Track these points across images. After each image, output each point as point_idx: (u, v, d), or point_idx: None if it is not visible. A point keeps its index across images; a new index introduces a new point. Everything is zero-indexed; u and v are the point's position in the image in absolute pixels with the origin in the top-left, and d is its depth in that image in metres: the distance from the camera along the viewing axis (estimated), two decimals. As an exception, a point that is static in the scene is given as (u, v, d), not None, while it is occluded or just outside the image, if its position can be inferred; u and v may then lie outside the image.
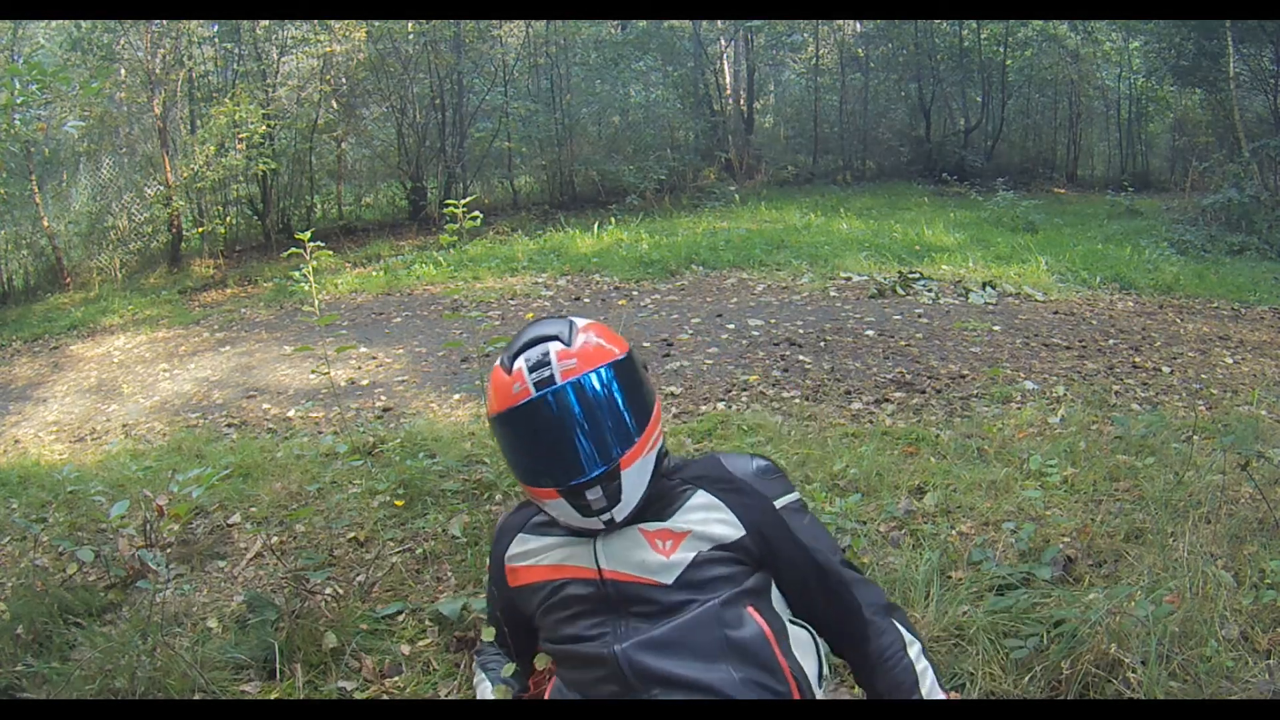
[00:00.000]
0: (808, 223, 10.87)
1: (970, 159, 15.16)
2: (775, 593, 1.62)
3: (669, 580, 1.51)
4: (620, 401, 1.53)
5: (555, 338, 1.53)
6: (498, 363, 1.56)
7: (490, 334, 6.18)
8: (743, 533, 1.56)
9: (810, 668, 1.57)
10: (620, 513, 1.52)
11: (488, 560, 1.87)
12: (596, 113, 14.80)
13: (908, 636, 1.56)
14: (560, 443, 1.50)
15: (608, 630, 1.52)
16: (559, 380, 1.48)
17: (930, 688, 1.53)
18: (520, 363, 1.51)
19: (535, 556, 1.65)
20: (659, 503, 1.58)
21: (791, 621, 1.61)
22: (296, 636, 2.59)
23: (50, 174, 11.77)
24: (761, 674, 1.47)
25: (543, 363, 1.49)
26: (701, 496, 1.59)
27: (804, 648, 1.59)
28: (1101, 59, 16.07)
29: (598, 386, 1.51)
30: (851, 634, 1.56)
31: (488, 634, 1.92)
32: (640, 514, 1.56)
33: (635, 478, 1.52)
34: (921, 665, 1.53)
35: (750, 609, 1.53)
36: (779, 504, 1.59)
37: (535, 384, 1.49)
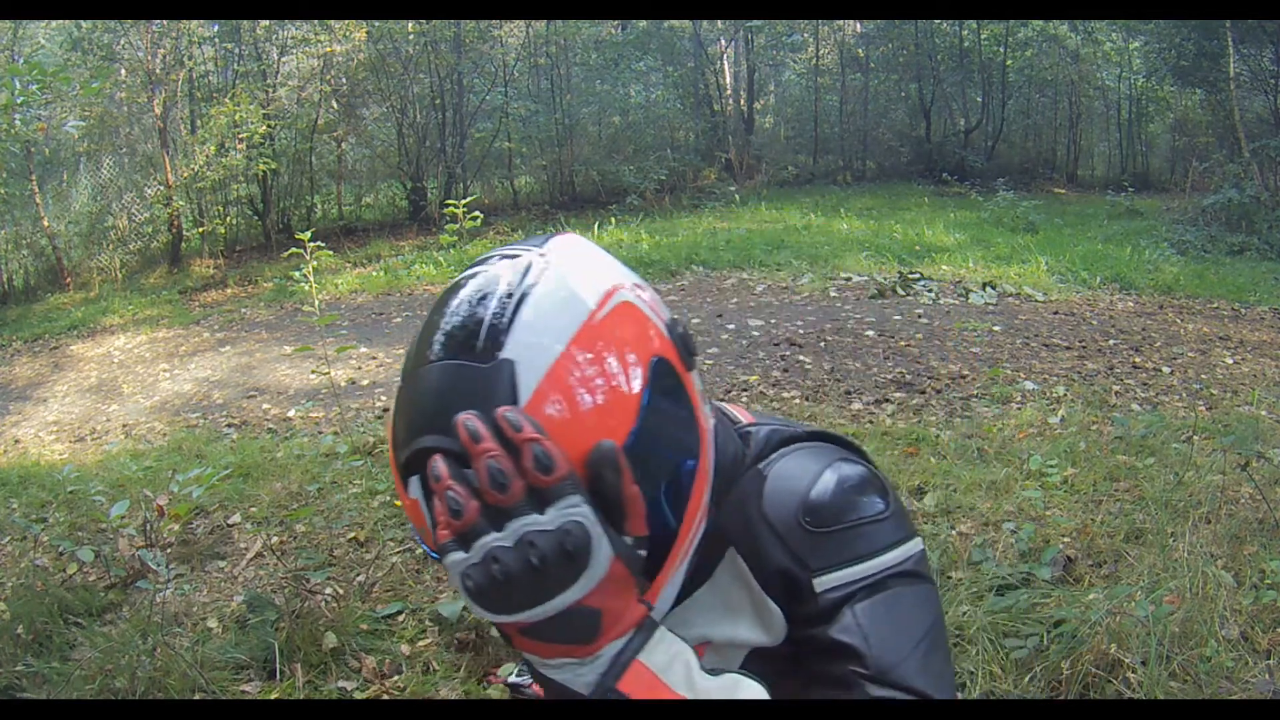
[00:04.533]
0: (808, 223, 10.87)
1: (970, 159, 15.16)
2: None
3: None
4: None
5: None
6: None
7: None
8: (782, 632, 0.88)
9: None
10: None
11: None
12: (596, 113, 14.80)
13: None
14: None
15: None
16: None
17: None
18: (417, 493, 0.72)
19: None
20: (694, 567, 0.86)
21: None
22: (296, 636, 2.59)
23: (50, 174, 11.77)
24: None
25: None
26: (728, 566, 0.90)
27: None
28: (1101, 59, 16.07)
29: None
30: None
31: None
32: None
33: (671, 587, 0.82)
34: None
35: None
36: (824, 584, 0.84)
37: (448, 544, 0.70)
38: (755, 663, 0.89)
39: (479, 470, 0.66)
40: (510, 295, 0.74)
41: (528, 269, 0.76)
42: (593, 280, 0.77)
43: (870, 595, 0.84)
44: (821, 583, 0.84)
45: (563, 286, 0.75)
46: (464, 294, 0.76)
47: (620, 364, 0.74)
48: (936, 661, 0.84)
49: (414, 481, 0.73)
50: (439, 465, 0.67)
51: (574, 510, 0.66)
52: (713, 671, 0.77)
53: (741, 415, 1.00)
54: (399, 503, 3.56)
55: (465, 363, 0.72)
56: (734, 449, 0.93)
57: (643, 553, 0.73)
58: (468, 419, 0.67)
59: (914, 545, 0.89)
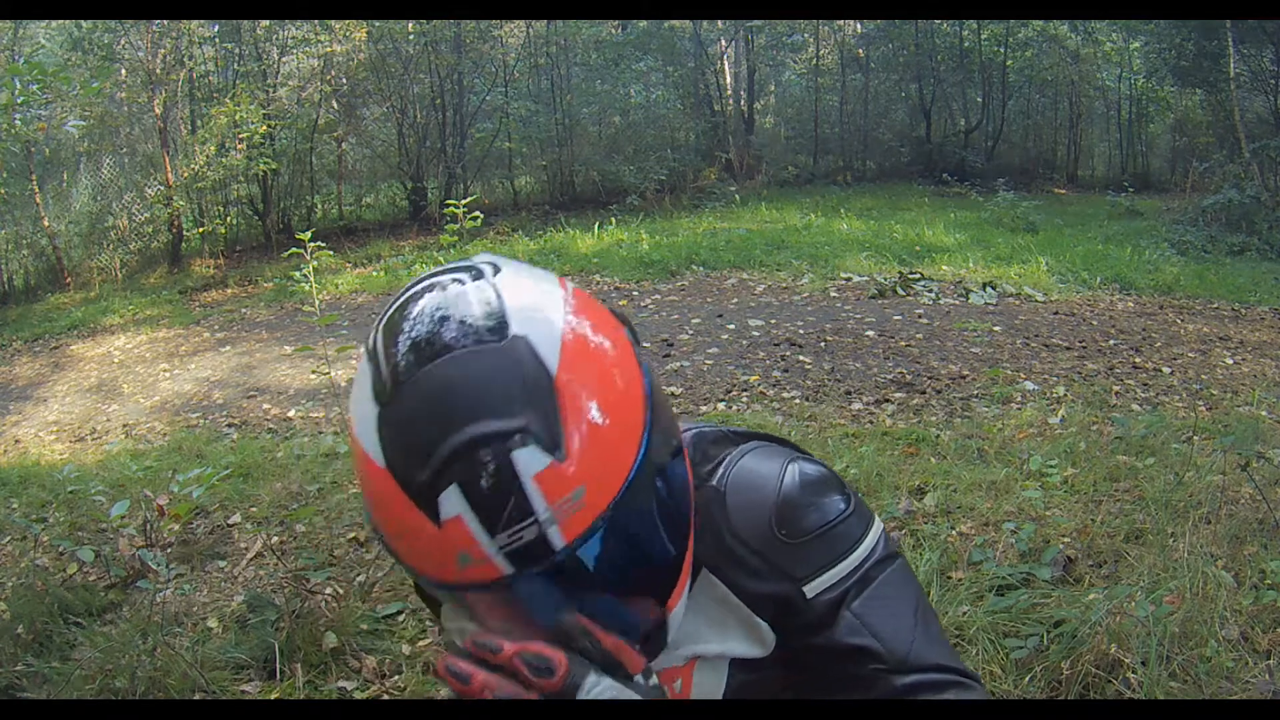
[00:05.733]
0: (808, 223, 10.87)
1: (970, 159, 15.15)
2: None
3: None
4: (658, 523, 0.77)
5: (520, 434, 0.65)
6: (376, 458, 0.68)
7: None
8: (772, 644, 0.90)
9: None
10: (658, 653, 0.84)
11: None
12: (597, 113, 14.80)
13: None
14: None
15: None
16: (558, 542, 0.67)
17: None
18: (459, 506, 0.65)
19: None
20: None
21: None
22: (296, 636, 2.59)
23: (50, 174, 11.77)
24: None
25: (517, 509, 0.66)
26: (705, 586, 0.88)
27: None
28: (1101, 59, 16.06)
29: (626, 525, 0.73)
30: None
31: None
32: None
33: (681, 609, 0.83)
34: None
35: None
36: (814, 589, 0.86)
37: (510, 555, 0.67)
38: (738, 671, 0.91)
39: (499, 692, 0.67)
40: (482, 291, 0.70)
41: (474, 272, 0.72)
42: (537, 269, 0.76)
43: (861, 590, 0.87)
44: (812, 588, 0.86)
45: (521, 273, 0.73)
46: (428, 303, 0.70)
47: (611, 329, 0.74)
48: (934, 628, 0.90)
49: (452, 493, 0.65)
50: (460, 667, 0.68)
51: (597, 691, 0.68)
52: None
53: None
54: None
55: (482, 346, 0.67)
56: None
57: (653, 680, 0.76)
58: (450, 664, 0.67)
59: (878, 527, 0.91)
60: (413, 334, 0.68)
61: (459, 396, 0.66)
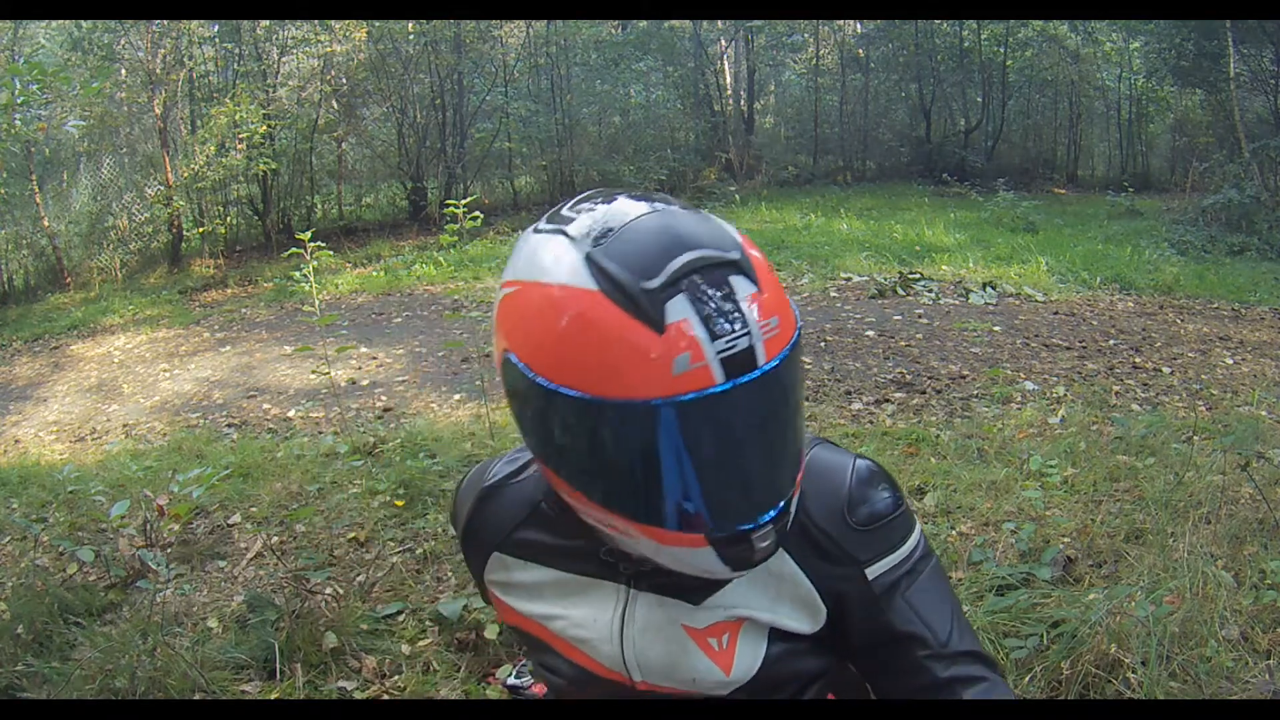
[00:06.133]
0: (808, 223, 10.87)
1: (970, 159, 15.15)
2: None
3: (726, 691, 0.99)
4: (799, 387, 0.90)
5: (734, 265, 0.81)
6: (585, 286, 0.80)
7: (491, 334, 6.18)
8: (822, 621, 0.99)
9: None
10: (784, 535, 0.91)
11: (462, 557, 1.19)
12: (597, 113, 14.81)
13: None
14: (745, 462, 0.84)
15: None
16: (762, 359, 0.80)
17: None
18: (686, 311, 0.77)
19: (526, 599, 1.04)
20: None
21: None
22: (296, 636, 2.59)
23: (50, 174, 11.77)
24: None
25: (735, 319, 0.79)
26: (774, 557, 0.94)
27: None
28: (1101, 59, 16.06)
29: (798, 363, 0.87)
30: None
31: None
32: (677, 582, 0.94)
33: (795, 503, 0.91)
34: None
35: (829, 695, 1.06)
36: (874, 573, 0.97)
37: (725, 362, 0.78)
38: (778, 640, 0.99)
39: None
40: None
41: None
42: None
43: (911, 581, 0.98)
44: (871, 571, 0.97)
45: None
46: (620, 195, 0.87)
47: None
48: (963, 618, 1.00)
49: (681, 299, 0.78)
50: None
51: None
52: None
53: None
54: (399, 503, 3.56)
55: (685, 209, 0.85)
56: None
57: None
58: None
59: (919, 525, 1.02)
60: (618, 200, 0.85)
61: (684, 229, 0.82)
